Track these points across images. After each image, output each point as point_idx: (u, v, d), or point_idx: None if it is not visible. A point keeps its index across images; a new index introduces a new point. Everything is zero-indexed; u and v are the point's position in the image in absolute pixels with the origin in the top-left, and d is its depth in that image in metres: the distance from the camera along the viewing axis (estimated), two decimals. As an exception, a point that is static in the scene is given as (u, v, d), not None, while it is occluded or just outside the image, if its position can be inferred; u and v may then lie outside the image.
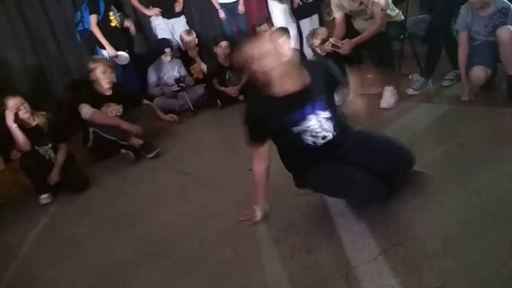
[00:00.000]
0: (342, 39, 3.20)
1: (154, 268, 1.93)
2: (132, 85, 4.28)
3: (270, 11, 4.66)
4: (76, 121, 3.46)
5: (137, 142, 3.37)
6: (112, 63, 3.70)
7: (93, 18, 3.93)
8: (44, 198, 2.94)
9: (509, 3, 2.73)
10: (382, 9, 3.09)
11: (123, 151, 3.34)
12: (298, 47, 4.49)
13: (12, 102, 2.90)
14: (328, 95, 1.88)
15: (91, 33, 4.01)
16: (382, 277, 1.53)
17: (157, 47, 4.52)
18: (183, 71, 4.47)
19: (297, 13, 4.54)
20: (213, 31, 5.11)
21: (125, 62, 4.14)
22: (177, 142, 3.59)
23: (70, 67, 4.33)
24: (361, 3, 3.16)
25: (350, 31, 3.32)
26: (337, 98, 2.02)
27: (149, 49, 4.74)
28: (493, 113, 2.65)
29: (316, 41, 3.56)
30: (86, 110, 3.35)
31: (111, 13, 4.05)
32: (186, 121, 4.09)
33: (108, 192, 2.92)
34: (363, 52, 3.47)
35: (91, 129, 3.37)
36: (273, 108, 1.80)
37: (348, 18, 3.37)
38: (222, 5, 4.79)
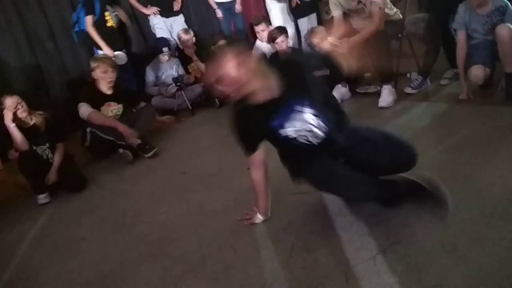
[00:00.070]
0: (342, 37, 3.19)
1: (153, 268, 1.93)
2: (130, 85, 4.26)
3: (268, 10, 4.66)
4: (75, 120, 3.45)
5: (135, 141, 3.36)
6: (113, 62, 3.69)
7: (88, 19, 3.89)
8: (42, 198, 2.94)
9: (507, 2, 2.73)
10: (380, 8, 3.09)
11: (121, 150, 3.34)
12: (297, 46, 4.49)
13: (10, 101, 2.89)
14: (312, 92, 1.81)
15: (88, 34, 3.98)
16: (381, 276, 1.53)
17: (155, 46, 4.51)
18: (181, 70, 4.47)
19: (295, 12, 4.55)
20: (211, 30, 5.11)
21: (123, 62, 4.12)
22: (175, 142, 3.59)
23: (67, 67, 4.33)
24: (359, 1, 3.16)
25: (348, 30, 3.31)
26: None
27: (147, 48, 4.74)
28: (491, 112, 2.65)
29: (315, 40, 3.56)
30: (84, 110, 3.35)
31: (106, 13, 4.02)
32: (184, 120, 4.09)
33: (106, 192, 2.92)
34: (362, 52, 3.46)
35: (88, 129, 3.37)
36: (254, 117, 1.78)
37: (347, 17, 3.37)
38: (219, 5, 4.79)
